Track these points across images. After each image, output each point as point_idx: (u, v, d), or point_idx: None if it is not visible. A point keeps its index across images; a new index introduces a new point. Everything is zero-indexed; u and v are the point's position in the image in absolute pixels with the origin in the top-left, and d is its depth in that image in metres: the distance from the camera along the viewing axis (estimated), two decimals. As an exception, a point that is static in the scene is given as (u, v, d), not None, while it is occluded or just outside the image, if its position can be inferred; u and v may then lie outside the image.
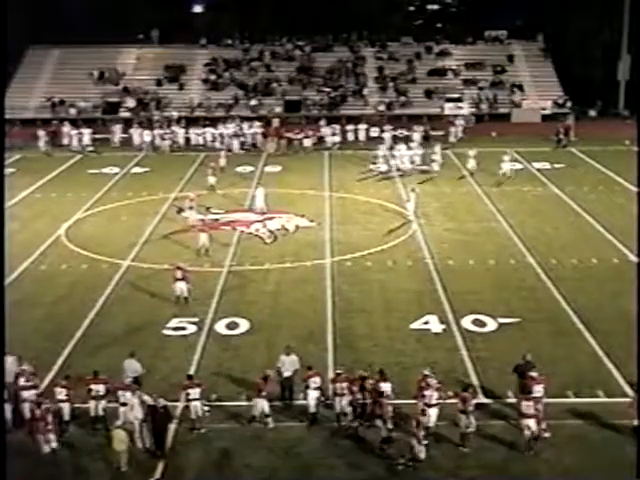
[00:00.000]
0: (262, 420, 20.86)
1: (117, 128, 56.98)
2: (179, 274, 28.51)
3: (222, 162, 47.42)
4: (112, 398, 20.89)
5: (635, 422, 20.26)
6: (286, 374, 22.24)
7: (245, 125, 55.87)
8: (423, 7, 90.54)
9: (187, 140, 55.41)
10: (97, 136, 56.00)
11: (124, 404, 20.54)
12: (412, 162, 47.55)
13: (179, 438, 20.51)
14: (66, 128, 55.92)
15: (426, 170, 46.35)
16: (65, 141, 55.42)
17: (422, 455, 19.09)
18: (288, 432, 20.74)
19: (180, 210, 38.64)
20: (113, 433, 19.51)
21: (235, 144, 53.81)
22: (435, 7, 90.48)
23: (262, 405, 20.77)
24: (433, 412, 20.31)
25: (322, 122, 56.87)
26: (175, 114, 61.06)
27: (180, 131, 55.78)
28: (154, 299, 29.20)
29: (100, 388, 21.01)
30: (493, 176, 44.88)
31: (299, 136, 54.36)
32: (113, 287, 30.53)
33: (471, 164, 46.06)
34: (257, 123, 56.67)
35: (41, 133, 54.46)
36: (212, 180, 43.01)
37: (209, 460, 19.74)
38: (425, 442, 19.17)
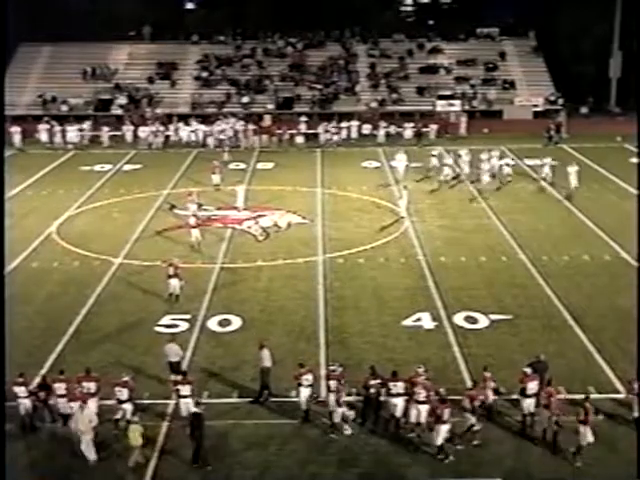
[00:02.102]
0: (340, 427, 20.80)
1: (86, 125, 56.63)
2: (172, 270, 28.54)
3: (225, 157, 48.20)
4: (104, 395, 20.91)
5: (635, 414, 20.39)
6: (266, 364, 22.30)
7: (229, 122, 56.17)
8: (415, 4, 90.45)
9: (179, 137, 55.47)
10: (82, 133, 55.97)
11: (120, 401, 20.54)
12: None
13: (171, 435, 20.53)
14: (42, 125, 55.59)
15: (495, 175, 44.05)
16: (43, 138, 55.01)
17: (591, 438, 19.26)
18: (280, 429, 20.76)
19: (172, 207, 38.60)
20: (130, 428, 19.51)
21: (210, 141, 54.13)
22: (427, 3, 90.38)
23: (342, 411, 20.66)
24: (423, 409, 20.33)
25: (303, 118, 56.87)
26: (160, 111, 60.89)
27: (172, 128, 55.76)
28: (146, 296, 29.17)
29: (91, 386, 20.97)
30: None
31: (280, 131, 54.78)
32: (105, 284, 30.50)
33: (546, 171, 43.56)
34: (232, 120, 56.80)
35: (15, 130, 54.12)
36: (216, 179, 42.59)
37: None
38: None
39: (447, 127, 57.13)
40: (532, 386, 20.68)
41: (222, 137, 54.30)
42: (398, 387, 20.57)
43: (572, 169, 41.80)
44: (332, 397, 20.64)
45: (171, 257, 30.12)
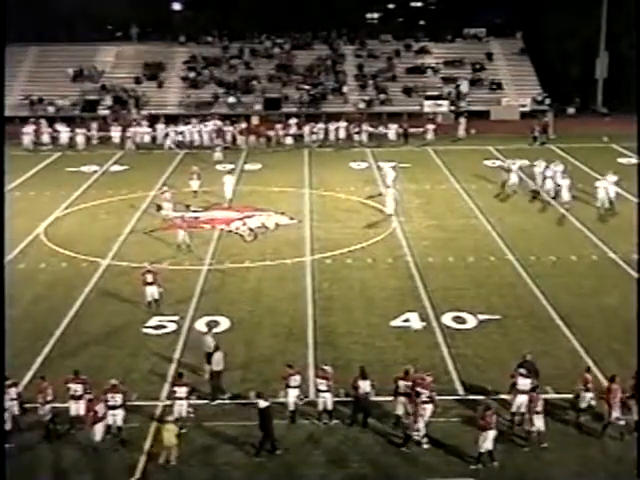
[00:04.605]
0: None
1: (29, 129, 54.87)
2: (149, 278, 27.76)
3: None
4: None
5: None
6: (216, 369, 22.38)
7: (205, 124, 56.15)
8: (403, 5, 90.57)
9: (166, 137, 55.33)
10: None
11: (113, 407, 20.28)
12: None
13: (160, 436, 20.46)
14: (26, 128, 54.88)
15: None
16: (26, 140, 53.99)
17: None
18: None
19: (159, 207, 38.46)
20: (165, 427, 19.43)
21: (168, 142, 54.08)
22: (415, 5, 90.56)
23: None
24: (428, 408, 20.34)
25: (292, 120, 56.78)
26: (145, 112, 60.80)
27: (160, 129, 55.74)
28: (134, 297, 28.98)
29: (78, 388, 20.77)
30: (475, 175, 45.12)
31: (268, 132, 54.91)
32: (92, 286, 30.38)
33: (602, 195, 38.50)
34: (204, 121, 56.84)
35: (27, 130, 53.86)
36: (195, 185, 41.85)
37: (191, 458, 19.64)
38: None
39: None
40: (524, 382, 20.68)
41: (179, 138, 54.42)
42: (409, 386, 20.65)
43: (600, 184, 38.66)
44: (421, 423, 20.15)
45: (158, 258, 29.97)
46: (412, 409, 20.13)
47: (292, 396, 21.00)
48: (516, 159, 44.58)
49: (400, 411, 20.72)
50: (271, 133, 54.80)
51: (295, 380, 21.11)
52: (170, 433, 19.33)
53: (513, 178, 42.10)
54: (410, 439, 19.86)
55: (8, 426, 20.08)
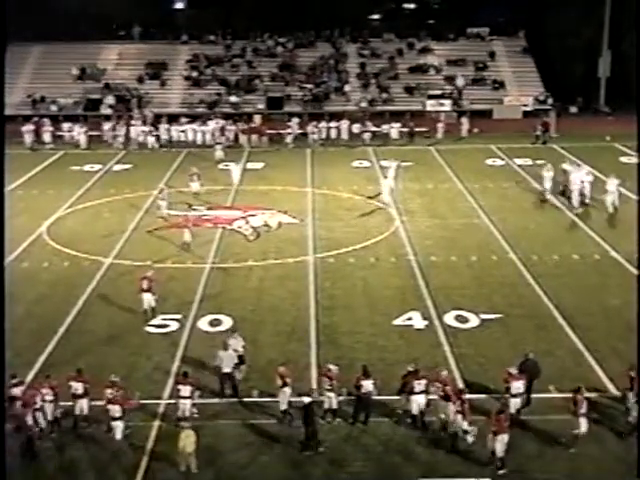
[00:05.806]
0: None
1: (27, 128, 54.61)
2: (145, 284, 27.32)
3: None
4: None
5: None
6: (225, 370, 22.18)
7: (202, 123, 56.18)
8: (405, 4, 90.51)
9: (170, 137, 55.36)
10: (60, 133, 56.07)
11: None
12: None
13: (163, 435, 20.49)
14: (27, 126, 54.77)
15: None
16: (27, 139, 53.83)
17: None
18: (272, 429, 20.74)
19: (160, 207, 38.53)
20: (183, 434, 19.04)
21: (150, 140, 54.09)
22: (417, 4, 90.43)
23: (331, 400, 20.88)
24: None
25: (295, 119, 56.71)
26: (148, 111, 60.87)
27: (162, 128, 55.70)
28: (136, 296, 28.94)
29: (78, 386, 20.80)
30: (478, 174, 45.08)
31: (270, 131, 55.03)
32: (95, 284, 30.42)
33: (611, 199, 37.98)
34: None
35: (27, 129, 53.91)
36: (195, 186, 41.66)
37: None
38: None
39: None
40: (517, 385, 20.72)
41: (182, 137, 54.61)
42: (421, 385, 20.67)
43: (610, 187, 38.01)
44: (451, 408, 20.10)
45: (160, 257, 29.99)
46: (459, 407, 19.88)
47: (289, 394, 20.93)
48: (549, 164, 43.71)
49: (415, 410, 20.72)
50: (273, 132, 54.88)
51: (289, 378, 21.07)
52: (190, 439, 18.88)
53: (547, 185, 41.30)
54: (457, 437, 19.84)
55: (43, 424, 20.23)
